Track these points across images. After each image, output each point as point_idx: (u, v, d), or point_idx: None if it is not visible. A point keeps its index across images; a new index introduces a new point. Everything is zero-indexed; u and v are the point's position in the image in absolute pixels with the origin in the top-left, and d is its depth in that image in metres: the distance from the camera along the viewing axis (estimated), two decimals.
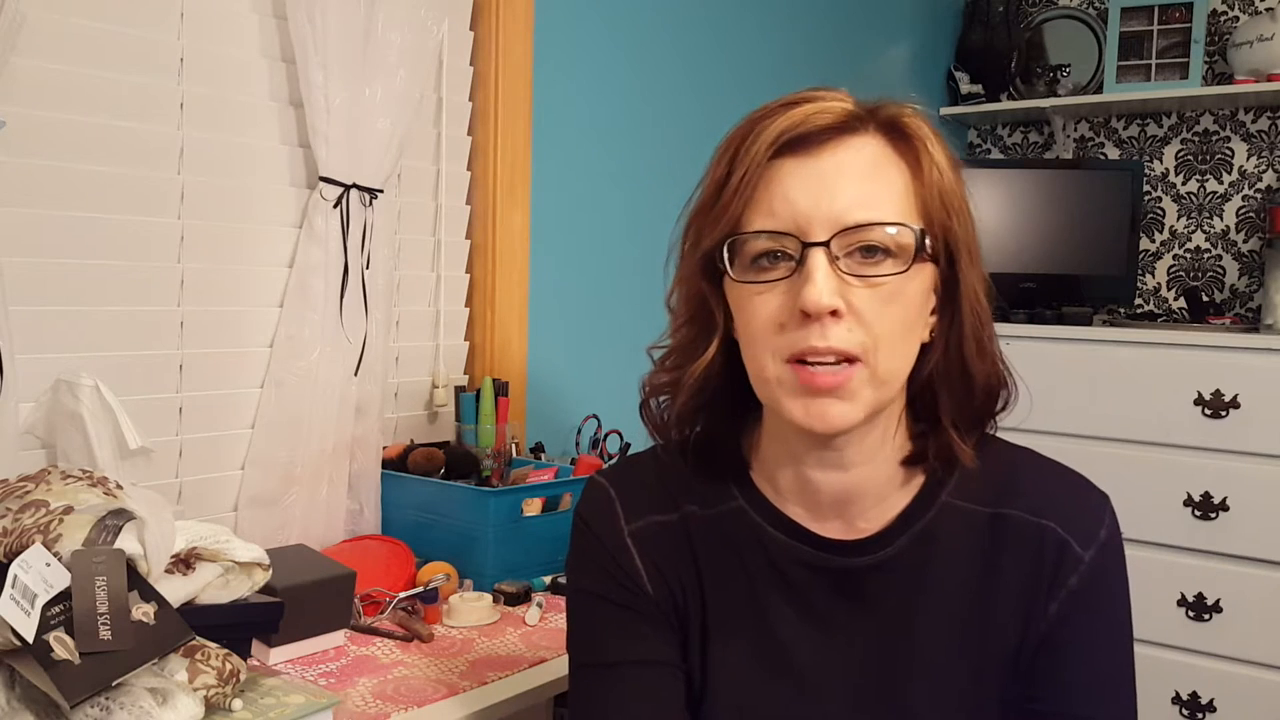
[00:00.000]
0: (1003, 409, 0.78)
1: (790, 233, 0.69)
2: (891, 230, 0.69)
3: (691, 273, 0.76)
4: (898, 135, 0.72)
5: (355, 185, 1.35)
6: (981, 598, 0.75)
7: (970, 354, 0.74)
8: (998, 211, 2.53)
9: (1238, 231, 2.61)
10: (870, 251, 0.69)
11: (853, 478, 0.75)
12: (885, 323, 0.69)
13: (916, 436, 0.77)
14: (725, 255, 0.71)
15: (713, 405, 0.79)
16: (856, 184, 0.69)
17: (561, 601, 1.30)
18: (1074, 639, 0.75)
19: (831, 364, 0.68)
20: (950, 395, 0.75)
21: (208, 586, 0.93)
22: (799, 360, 0.68)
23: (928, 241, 0.70)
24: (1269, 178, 2.56)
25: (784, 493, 0.78)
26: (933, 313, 0.74)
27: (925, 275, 0.71)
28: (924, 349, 0.74)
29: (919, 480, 0.77)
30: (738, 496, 0.79)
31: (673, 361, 0.79)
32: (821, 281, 0.67)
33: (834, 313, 0.67)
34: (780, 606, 0.77)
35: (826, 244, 0.68)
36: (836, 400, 0.68)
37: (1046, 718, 0.75)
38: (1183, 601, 2.20)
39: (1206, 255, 2.65)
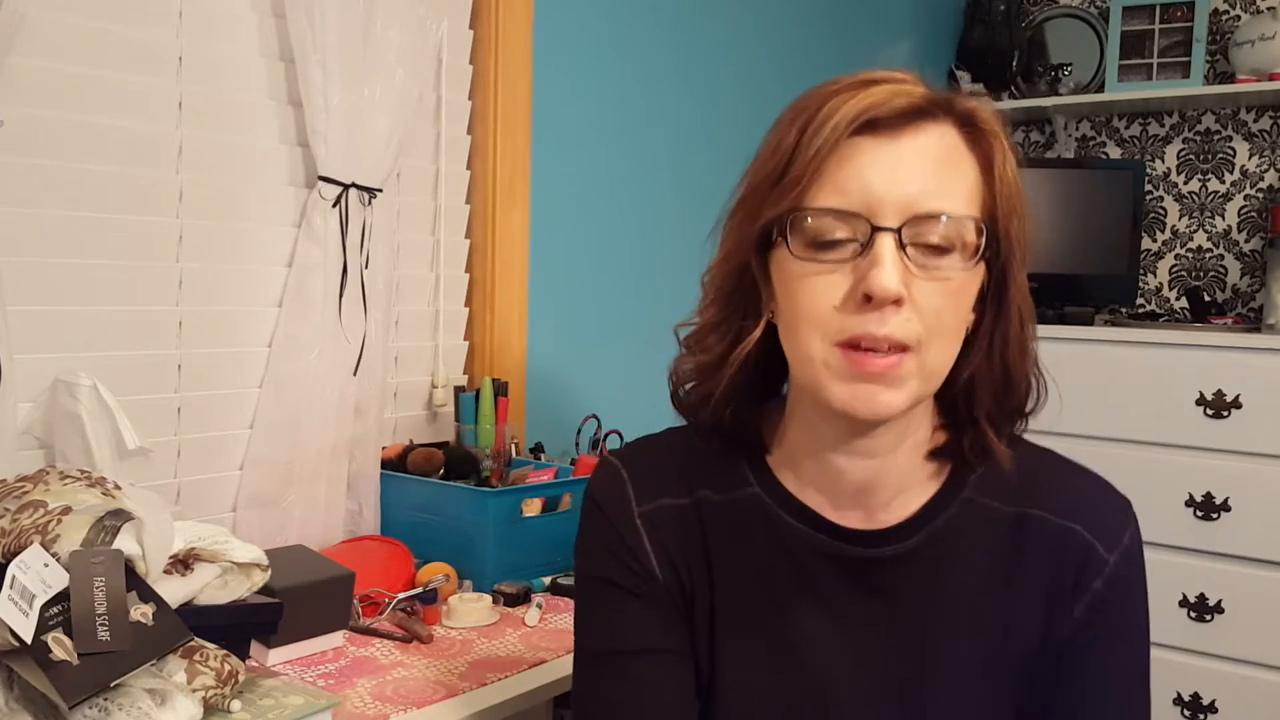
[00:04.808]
0: (1032, 410, 0.77)
1: (860, 214, 0.67)
2: (963, 224, 0.68)
3: (742, 246, 0.73)
4: (972, 128, 0.71)
5: (354, 184, 1.35)
6: (1002, 598, 0.75)
7: (1014, 356, 0.73)
8: None
9: (1239, 231, 2.61)
10: (936, 243, 0.67)
11: (878, 465, 0.74)
12: (942, 317, 0.68)
13: (942, 430, 0.77)
14: (787, 229, 0.69)
15: (746, 386, 0.77)
16: (932, 172, 0.68)
17: (561, 603, 1.30)
18: (1095, 643, 0.74)
19: (884, 351, 0.66)
20: (989, 394, 0.74)
21: (206, 587, 0.93)
22: (849, 345, 0.67)
23: (993, 240, 0.70)
24: (1270, 177, 2.56)
25: (804, 480, 0.77)
26: (972, 309, 0.72)
27: (980, 273, 0.71)
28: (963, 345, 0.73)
29: (942, 476, 0.76)
30: (753, 483, 0.78)
31: (714, 339, 0.76)
32: (890, 267, 0.65)
33: (896, 301, 0.66)
34: (794, 596, 0.76)
35: (898, 230, 0.66)
36: (884, 387, 0.67)
37: None
38: (1184, 602, 2.20)
39: (1208, 255, 2.65)
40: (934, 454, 0.76)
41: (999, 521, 0.75)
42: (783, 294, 0.71)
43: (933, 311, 0.67)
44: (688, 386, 0.80)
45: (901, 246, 0.66)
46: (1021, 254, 0.72)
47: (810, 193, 0.68)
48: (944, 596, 0.75)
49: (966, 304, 0.70)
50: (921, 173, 0.67)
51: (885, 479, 0.74)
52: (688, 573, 0.78)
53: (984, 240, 0.68)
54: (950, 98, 0.71)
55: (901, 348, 0.66)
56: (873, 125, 0.68)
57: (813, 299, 0.68)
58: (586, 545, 0.81)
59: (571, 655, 0.82)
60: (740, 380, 0.76)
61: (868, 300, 0.66)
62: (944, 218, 0.67)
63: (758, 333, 0.74)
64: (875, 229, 0.66)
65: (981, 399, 0.74)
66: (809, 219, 0.68)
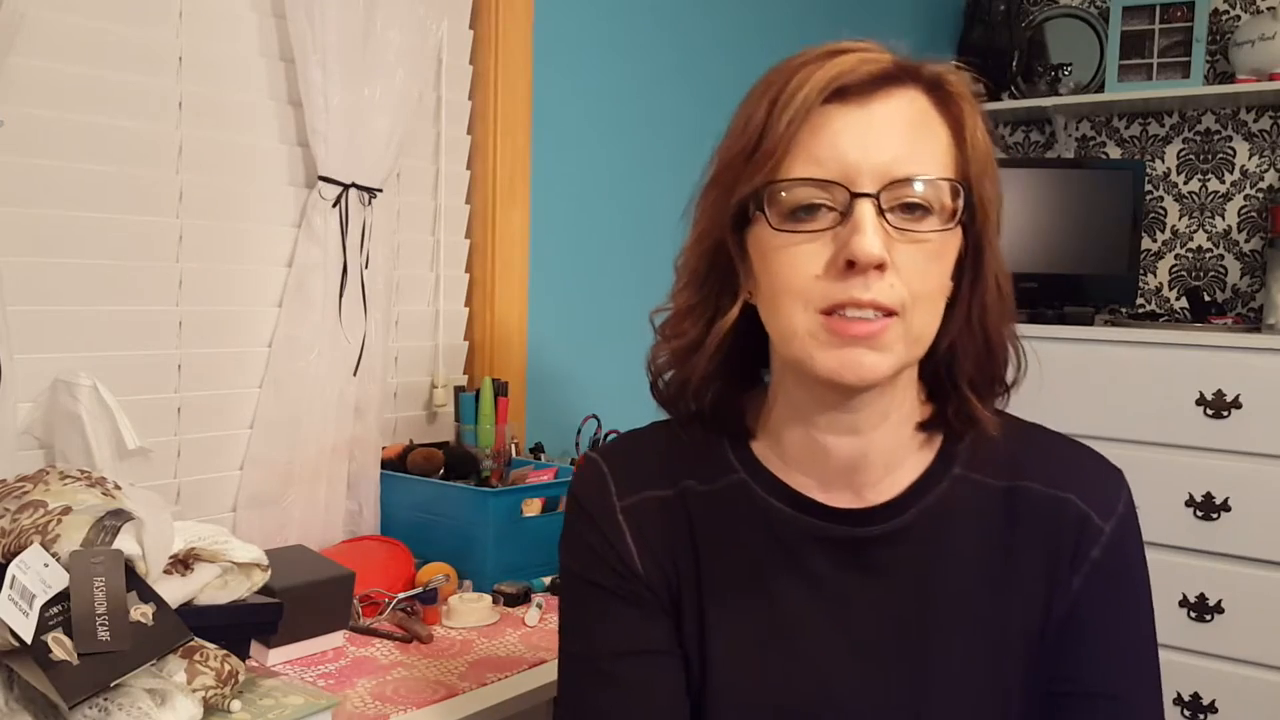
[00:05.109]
0: (1014, 380, 0.77)
1: (837, 182, 0.67)
2: (939, 186, 0.68)
3: (717, 224, 0.72)
4: (942, 93, 0.71)
5: (354, 184, 1.35)
6: (1000, 573, 0.74)
7: (993, 321, 0.73)
8: None
9: (1239, 231, 2.60)
10: (914, 208, 0.67)
11: (865, 442, 0.73)
12: (926, 281, 0.68)
13: (927, 402, 0.76)
14: (764, 203, 0.68)
15: (725, 371, 0.77)
16: (905, 137, 0.68)
17: None
18: (1099, 613, 0.74)
19: (869, 318, 0.66)
20: (971, 360, 0.74)
21: (206, 587, 0.93)
22: (833, 312, 0.67)
23: (968, 202, 0.70)
24: (1270, 177, 2.56)
25: (790, 463, 0.76)
26: (950, 277, 0.72)
27: (957, 238, 0.71)
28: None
29: (931, 453, 0.76)
30: (739, 470, 0.77)
31: (689, 323, 0.76)
32: (872, 232, 0.65)
33: (879, 266, 0.65)
34: (785, 582, 0.75)
35: (876, 196, 0.66)
36: (870, 350, 0.67)
37: (1074, 698, 0.74)
38: (1184, 602, 2.20)
39: (1208, 255, 2.65)
40: (921, 427, 0.76)
41: (991, 496, 0.75)
42: (762, 269, 0.71)
43: (915, 275, 0.67)
44: (666, 376, 0.79)
45: (881, 212, 0.66)
46: (995, 218, 0.73)
47: (785, 164, 0.68)
48: (940, 574, 0.74)
49: (946, 268, 0.70)
50: (895, 138, 0.67)
51: (872, 456, 0.74)
52: (673, 566, 0.77)
53: (961, 202, 0.69)
54: (918, 64, 0.71)
55: (887, 312, 0.67)
56: (842, 93, 0.68)
57: (794, 269, 0.68)
58: (569, 544, 0.80)
59: None
60: (718, 362, 0.75)
61: (850, 266, 0.66)
62: (920, 181, 0.67)
63: (735, 311, 0.73)
64: (854, 195, 0.66)
65: (964, 366, 0.74)
66: (785, 190, 0.68)
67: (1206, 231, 2.65)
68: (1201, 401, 2.17)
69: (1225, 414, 2.15)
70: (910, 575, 0.74)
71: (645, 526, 0.77)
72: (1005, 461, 0.76)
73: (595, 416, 1.72)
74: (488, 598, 1.25)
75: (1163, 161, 2.70)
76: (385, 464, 1.45)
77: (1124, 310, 2.66)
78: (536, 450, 1.65)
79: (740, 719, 0.75)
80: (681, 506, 0.78)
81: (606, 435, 1.70)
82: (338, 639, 1.12)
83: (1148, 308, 2.73)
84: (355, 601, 1.17)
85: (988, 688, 0.73)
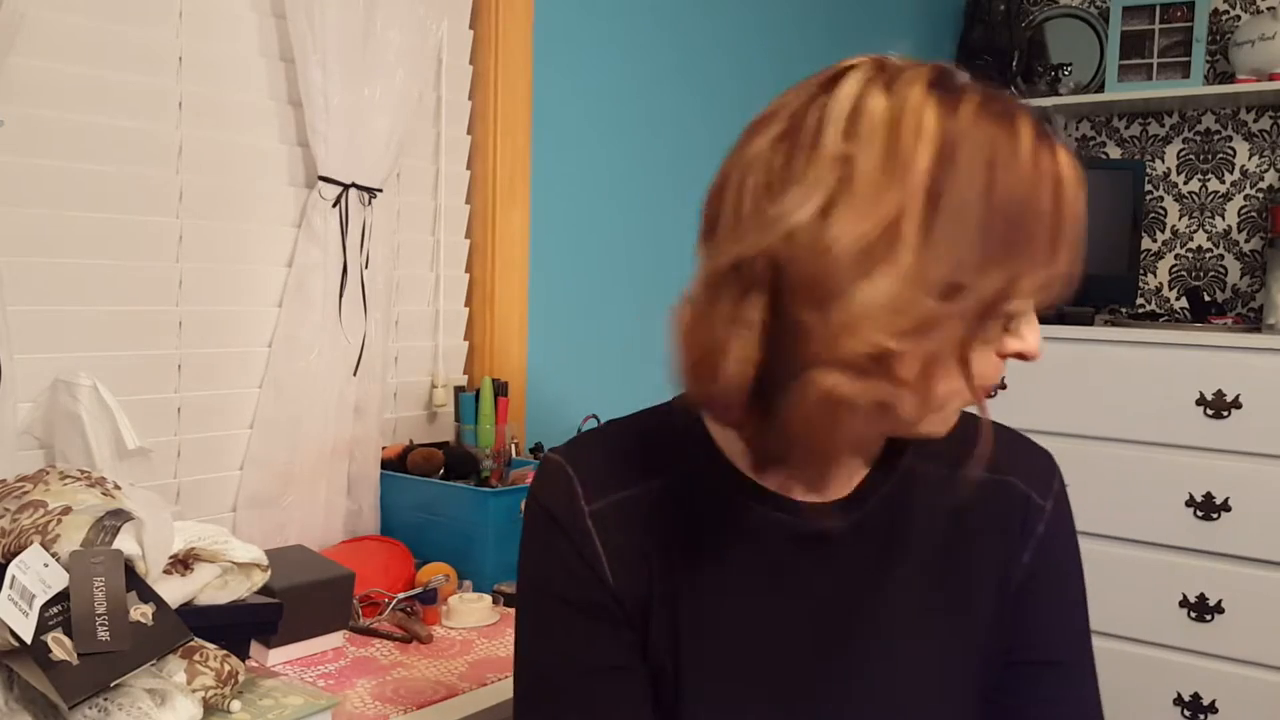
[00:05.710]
0: None
1: None
2: None
3: (956, 325, 0.62)
4: None
5: (354, 184, 1.35)
6: (957, 557, 0.77)
7: None
8: None
9: (1239, 231, 2.60)
10: None
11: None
12: None
13: None
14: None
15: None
16: None
17: None
18: (1046, 583, 0.79)
19: None
20: None
21: (206, 587, 0.93)
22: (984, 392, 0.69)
23: None
24: (1270, 177, 2.56)
25: (758, 461, 0.75)
26: None
27: None
28: None
29: (879, 447, 0.78)
30: (705, 467, 0.76)
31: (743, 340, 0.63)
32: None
33: None
34: (755, 576, 0.75)
35: None
36: None
37: (1022, 665, 0.78)
38: (1184, 602, 2.20)
39: (1208, 255, 2.65)
40: None
41: (940, 484, 0.78)
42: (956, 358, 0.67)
43: None
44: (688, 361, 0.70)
45: None
46: None
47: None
48: (901, 562, 0.76)
49: None
50: None
51: (850, 462, 0.76)
52: (645, 568, 0.75)
53: None
54: None
55: None
56: None
57: (991, 362, 0.68)
58: (532, 554, 0.76)
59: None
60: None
61: (1014, 357, 0.68)
62: None
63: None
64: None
65: None
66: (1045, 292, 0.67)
67: (1206, 231, 2.65)
68: (1201, 401, 2.17)
69: (1225, 414, 2.15)
70: (874, 565, 0.76)
71: (615, 531, 0.75)
72: (948, 450, 0.77)
73: (595, 416, 1.72)
74: (488, 598, 1.25)
75: (1163, 161, 2.70)
76: (385, 464, 1.45)
77: (1124, 310, 2.65)
78: (536, 450, 1.65)
79: (716, 714, 0.75)
80: (649, 506, 0.76)
81: None
82: (337, 639, 1.12)
83: (1148, 308, 2.73)
84: (355, 601, 1.17)
85: (955, 669, 0.76)
